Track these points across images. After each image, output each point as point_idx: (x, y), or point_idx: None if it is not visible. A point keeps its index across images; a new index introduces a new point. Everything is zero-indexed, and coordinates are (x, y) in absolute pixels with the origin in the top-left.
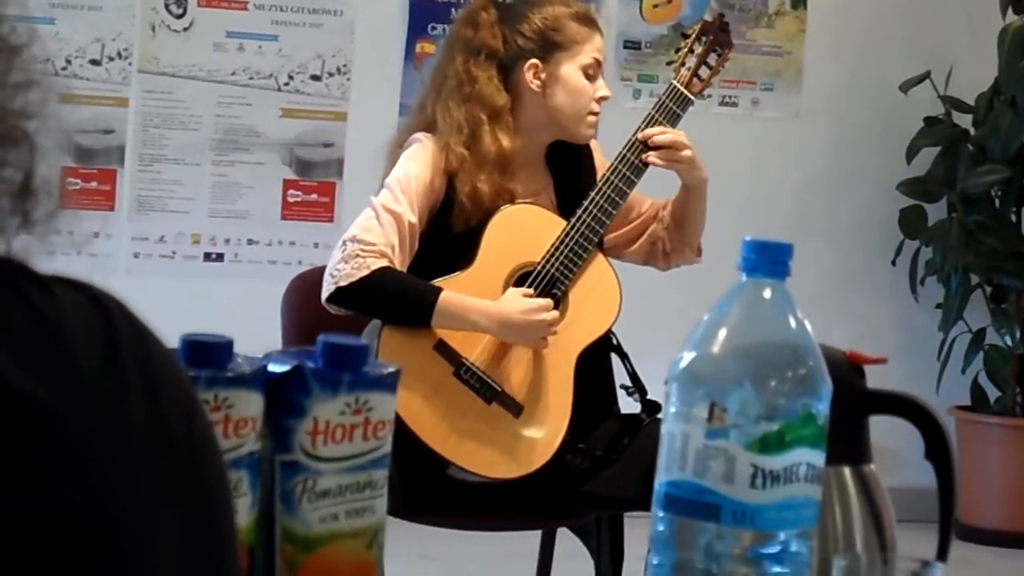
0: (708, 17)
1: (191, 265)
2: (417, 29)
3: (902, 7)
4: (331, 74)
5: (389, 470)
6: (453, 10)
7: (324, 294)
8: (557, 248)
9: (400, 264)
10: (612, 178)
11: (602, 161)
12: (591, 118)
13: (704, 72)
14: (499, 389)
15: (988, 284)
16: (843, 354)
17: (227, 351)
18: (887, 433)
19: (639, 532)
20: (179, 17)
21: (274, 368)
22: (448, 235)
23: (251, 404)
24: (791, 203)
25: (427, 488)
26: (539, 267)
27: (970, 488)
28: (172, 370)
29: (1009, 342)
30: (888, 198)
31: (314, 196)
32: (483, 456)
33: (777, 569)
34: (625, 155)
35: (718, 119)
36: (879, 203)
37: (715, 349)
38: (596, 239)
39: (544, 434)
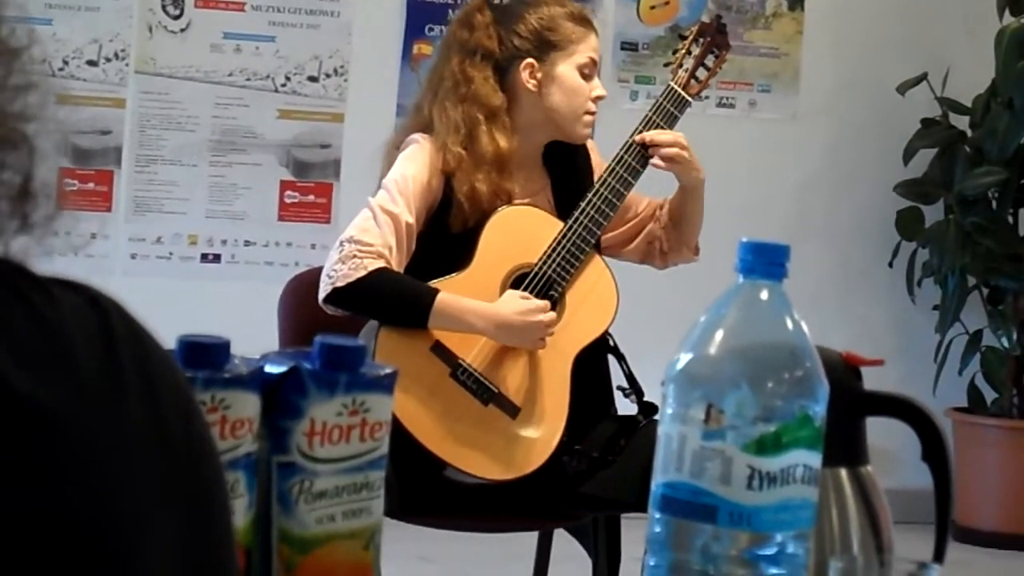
0: (705, 18)
1: (188, 266)
2: (414, 30)
3: (899, 9)
4: (328, 75)
5: (386, 471)
6: (450, 11)
7: (321, 295)
8: (554, 249)
9: (397, 265)
10: (609, 179)
11: (599, 161)
12: (587, 117)
13: (701, 74)
14: (496, 390)
15: (985, 286)
16: (840, 355)
17: (224, 352)
18: (884, 435)
19: (636, 533)
20: (176, 18)
21: (271, 369)
22: (446, 235)
23: (248, 405)
24: (788, 204)
25: (424, 489)
26: (536, 268)
27: (967, 490)
28: (170, 371)
29: (1006, 344)
30: (885, 200)
31: (311, 197)
32: (480, 457)
33: (774, 571)
34: (622, 157)
35: (715, 120)
36: (876, 204)
37: (712, 350)
38: (593, 240)
39: (541, 435)
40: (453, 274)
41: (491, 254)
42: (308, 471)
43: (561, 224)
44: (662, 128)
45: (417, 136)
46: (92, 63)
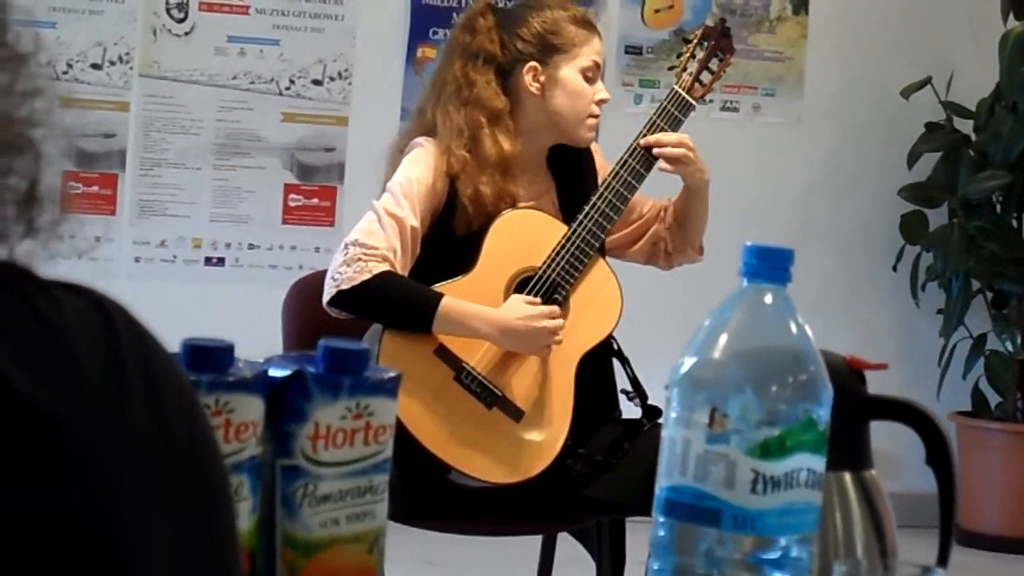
0: (710, 22)
1: (192, 269)
2: (418, 34)
3: (903, 12)
4: (332, 79)
5: (390, 475)
6: (454, 15)
7: (325, 297)
8: (558, 253)
9: (402, 268)
10: (613, 183)
11: (603, 164)
12: (591, 120)
13: (706, 77)
14: (500, 394)
15: (989, 290)
16: (844, 359)
17: (228, 355)
18: (888, 439)
19: (640, 537)
20: (180, 21)
21: (275, 372)
22: (450, 239)
23: (252, 408)
24: (792, 208)
25: (428, 493)
26: (540, 272)
27: (971, 494)
28: (173, 374)
29: (1010, 348)
30: (889, 203)
31: (315, 200)
32: (484, 461)
33: (778, 575)
34: (627, 160)
35: (720, 124)
36: (880, 208)
37: (716, 354)
38: (598, 244)
39: (545, 439)
40: (457, 277)
41: (495, 257)
42: (312, 475)
43: (565, 227)
44: (665, 131)
45: (421, 139)
46: (96, 66)
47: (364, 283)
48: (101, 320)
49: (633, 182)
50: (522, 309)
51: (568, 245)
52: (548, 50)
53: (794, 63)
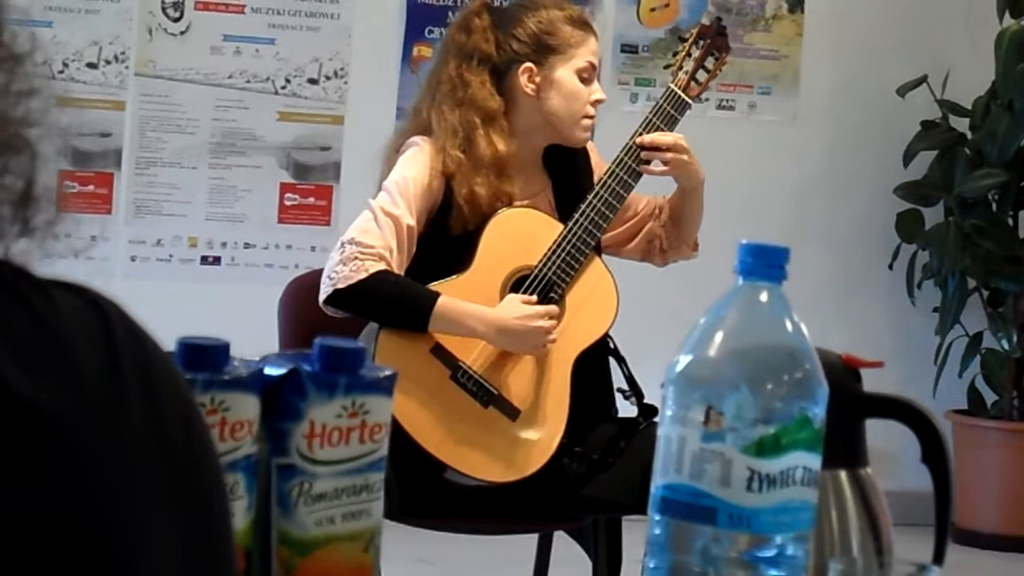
0: (705, 21)
1: (188, 268)
2: (414, 33)
3: (899, 11)
4: (328, 78)
5: (386, 473)
6: (450, 14)
7: (322, 296)
8: (554, 252)
9: (398, 267)
10: (609, 182)
11: (599, 162)
12: (586, 121)
13: (701, 76)
14: (496, 393)
15: (985, 288)
16: (840, 357)
17: (224, 354)
18: (884, 437)
19: (636, 535)
20: (176, 20)
21: (270, 371)
22: (446, 237)
23: (247, 407)
24: (788, 207)
25: (424, 492)
26: (536, 270)
27: (967, 492)
28: (170, 374)
29: (1006, 346)
30: (885, 202)
31: (311, 199)
32: (480, 460)
33: (773, 573)
34: (622, 159)
35: (715, 123)
36: (876, 207)
37: (711, 353)
38: (593, 242)
39: (541, 438)
40: (453, 276)
41: (491, 256)
42: (308, 473)
43: (561, 226)
44: (661, 129)
45: (417, 138)
46: (92, 66)
47: (360, 282)
48: (97, 319)
49: (629, 180)
50: (518, 309)
51: (564, 244)
52: (543, 51)
53: (790, 61)
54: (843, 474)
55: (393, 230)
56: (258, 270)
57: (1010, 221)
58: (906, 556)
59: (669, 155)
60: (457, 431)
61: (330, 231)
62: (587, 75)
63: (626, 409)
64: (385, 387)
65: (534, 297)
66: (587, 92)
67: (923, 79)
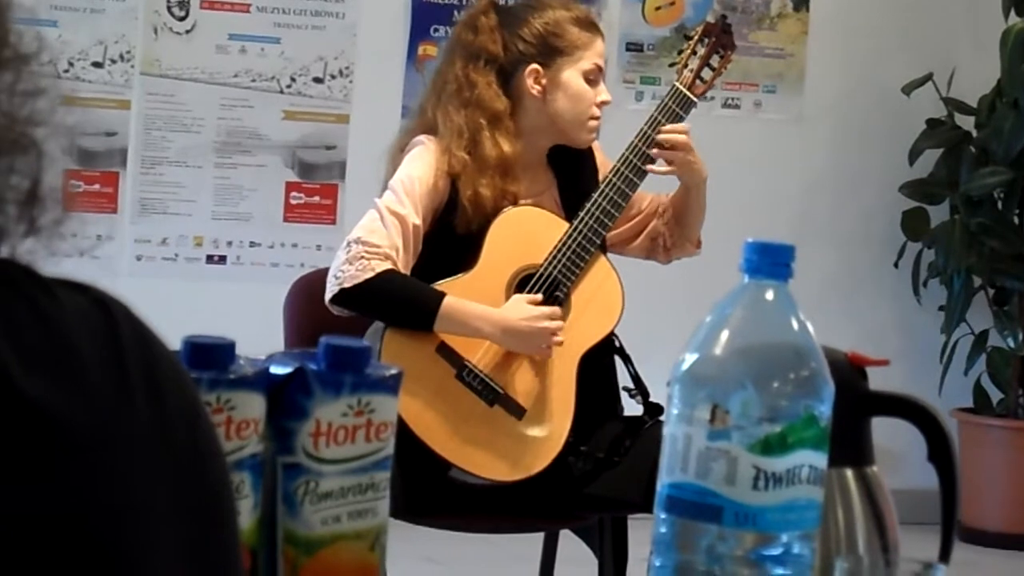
0: (711, 19)
1: (193, 267)
2: (419, 31)
3: (904, 9)
4: (333, 76)
5: (391, 472)
6: (455, 12)
7: (328, 295)
8: (560, 250)
9: (404, 266)
10: (614, 180)
11: (603, 160)
12: (592, 123)
13: (707, 74)
14: (501, 392)
15: (991, 286)
16: (845, 356)
17: (229, 353)
18: (889, 435)
19: (642, 534)
20: (181, 19)
21: (276, 370)
22: (452, 236)
23: (253, 406)
24: (793, 205)
25: (429, 490)
26: (542, 269)
27: (972, 490)
28: (176, 373)
29: (1012, 344)
30: (890, 200)
31: (316, 198)
32: (485, 458)
33: (779, 571)
34: (628, 157)
35: (721, 121)
36: (881, 205)
37: (717, 351)
38: (599, 241)
39: (547, 436)
40: (459, 275)
41: (497, 255)
42: (313, 472)
43: (566, 225)
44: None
45: (422, 138)
46: (97, 65)
47: (366, 281)
48: (103, 318)
49: (634, 179)
50: (524, 309)
51: (569, 242)
52: (550, 52)
53: (795, 60)
54: (849, 472)
55: (399, 229)
56: (263, 269)
57: (1015, 219)
58: (912, 554)
59: (679, 154)
60: (462, 430)
61: (335, 230)
62: (593, 77)
63: (632, 407)
64: (391, 386)
65: (539, 296)
66: (593, 94)
67: (928, 77)
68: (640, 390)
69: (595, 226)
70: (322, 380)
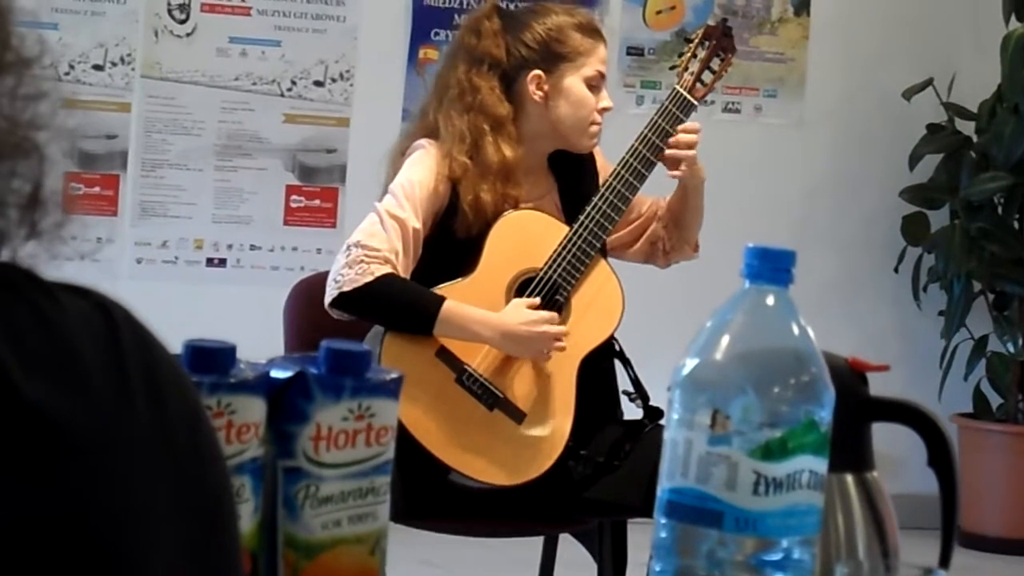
0: (711, 23)
1: (194, 270)
2: (420, 35)
3: (905, 14)
4: (334, 80)
5: (391, 476)
6: (456, 16)
7: (327, 299)
8: (560, 254)
9: (404, 270)
10: (615, 183)
11: (604, 164)
12: (593, 128)
13: (707, 77)
14: (501, 396)
15: (991, 291)
16: (846, 361)
17: (230, 357)
18: (890, 440)
19: (642, 538)
20: (182, 22)
21: (277, 374)
22: (452, 240)
23: (254, 410)
24: (794, 210)
25: (429, 494)
26: (542, 273)
27: (972, 495)
28: (176, 377)
29: (1011, 349)
30: (891, 205)
31: (317, 202)
32: (485, 462)
33: None
34: (628, 160)
35: (721, 126)
36: (882, 210)
37: (718, 356)
38: (599, 244)
39: (546, 440)
40: (459, 279)
41: (497, 258)
42: (314, 476)
43: (567, 228)
44: (667, 131)
45: (423, 141)
46: (98, 68)
47: (366, 285)
48: (104, 322)
49: (634, 182)
50: (524, 314)
51: (570, 246)
52: (553, 58)
53: (796, 64)
54: (849, 478)
55: (399, 233)
56: (264, 272)
57: (1016, 224)
58: (912, 559)
59: (691, 153)
60: (462, 434)
61: (336, 233)
62: (595, 83)
63: (631, 411)
64: (391, 390)
65: (537, 300)
66: (595, 100)
67: (929, 82)
68: (640, 394)
69: (595, 230)
70: (323, 384)
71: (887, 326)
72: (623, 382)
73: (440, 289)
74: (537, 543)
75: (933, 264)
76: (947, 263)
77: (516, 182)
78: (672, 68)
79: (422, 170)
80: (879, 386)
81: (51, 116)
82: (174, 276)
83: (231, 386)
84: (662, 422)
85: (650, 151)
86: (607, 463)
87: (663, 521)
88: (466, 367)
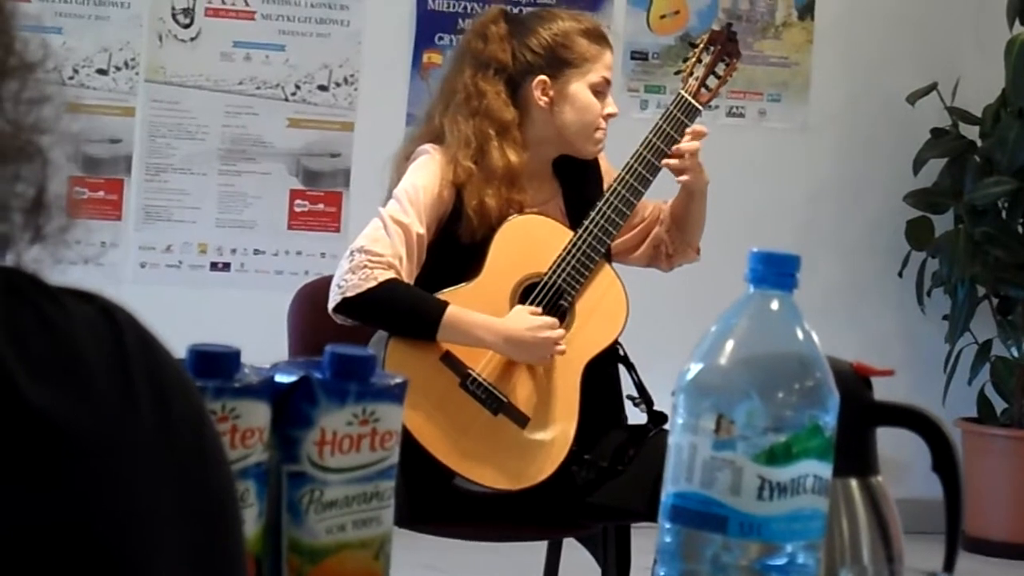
0: (715, 27)
1: (198, 275)
2: (424, 39)
3: (909, 18)
4: (338, 84)
5: (396, 481)
6: (460, 20)
7: (330, 304)
8: (564, 259)
9: (407, 276)
10: (619, 188)
11: (608, 168)
12: (598, 134)
13: (712, 82)
14: (505, 400)
15: (995, 295)
16: (850, 366)
17: (234, 361)
18: (894, 445)
19: (646, 543)
20: (186, 27)
21: (281, 378)
22: (456, 245)
23: (258, 414)
24: (798, 214)
25: (433, 499)
26: (546, 278)
27: (977, 500)
28: (181, 381)
29: (1016, 353)
30: (895, 209)
31: (321, 206)
32: (489, 467)
33: None
34: (633, 166)
35: (725, 130)
36: (886, 214)
37: (722, 361)
38: (603, 249)
39: (550, 445)
40: (463, 284)
41: (501, 263)
42: (318, 480)
43: (571, 233)
44: (672, 137)
45: (427, 147)
46: (102, 72)
47: (369, 291)
48: (109, 327)
49: (639, 187)
50: (527, 320)
51: (574, 251)
52: (558, 64)
53: (800, 69)
54: (854, 482)
55: (403, 238)
56: (268, 276)
57: (1020, 229)
58: (917, 564)
59: (683, 164)
60: (466, 439)
61: (340, 238)
62: (601, 89)
63: (635, 416)
64: (396, 395)
65: (539, 309)
66: (600, 106)
67: (933, 87)
68: (644, 399)
69: (600, 234)
70: (327, 389)
71: (891, 330)
72: (627, 387)
73: (444, 294)
74: (541, 548)
75: (937, 268)
76: (951, 267)
77: (521, 187)
78: (676, 73)
79: (426, 175)
80: (883, 390)
81: (55, 120)
82: (178, 280)
83: (235, 390)
84: (666, 427)
85: (655, 156)
86: (611, 468)
87: (667, 526)
88: (470, 372)
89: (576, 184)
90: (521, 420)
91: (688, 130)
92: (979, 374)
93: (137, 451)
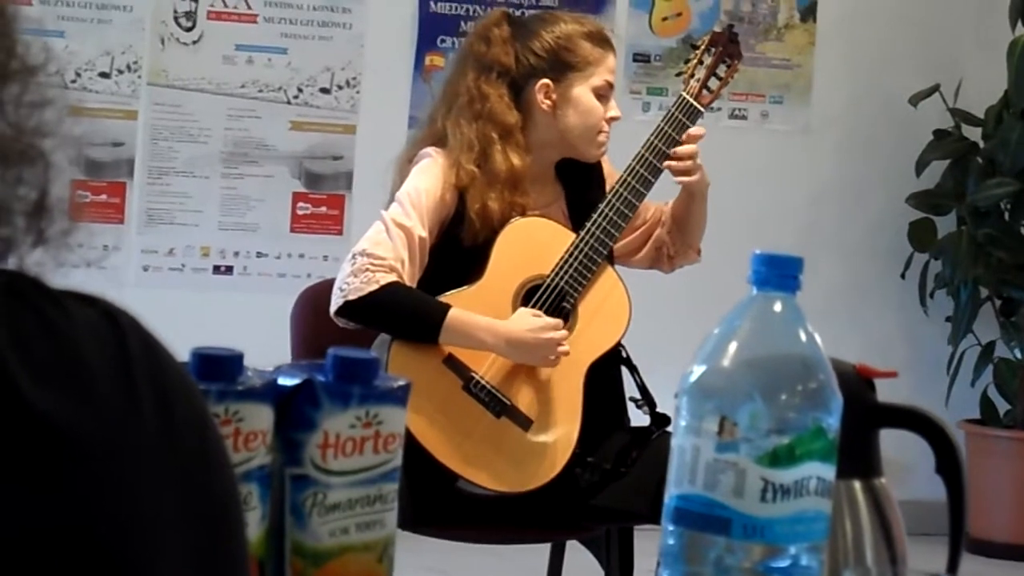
0: (717, 29)
1: (200, 278)
2: (426, 42)
3: (912, 20)
4: (340, 87)
5: (399, 484)
6: (462, 23)
7: (333, 308)
8: (567, 261)
9: (409, 279)
10: (621, 190)
11: (610, 171)
12: (600, 138)
13: (713, 83)
14: (508, 403)
15: (998, 297)
16: (853, 367)
17: (237, 364)
18: (897, 446)
19: (649, 545)
20: (188, 30)
21: (284, 381)
22: (458, 248)
23: (261, 417)
24: (800, 216)
25: (437, 501)
26: (549, 280)
27: (980, 501)
28: (184, 385)
29: (1019, 355)
30: (897, 211)
31: (323, 209)
32: (492, 470)
33: None
34: (635, 168)
35: (728, 132)
36: (888, 216)
37: (725, 362)
38: (606, 251)
39: (553, 448)
40: (465, 287)
41: (504, 266)
42: (321, 483)
43: (573, 235)
44: (674, 139)
45: (430, 150)
46: (104, 75)
47: (371, 294)
48: (112, 330)
49: (641, 189)
50: (529, 322)
51: (576, 253)
52: (561, 67)
53: (802, 71)
54: (857, 484)
55: (405, 242)
56: (270, 279)
57: (1022, 230)
58: (920, 566)
59: (685, 165)
60: (469, 441)
61: (342, 240)
62: (604, 92)
63: (638, 418)
64: (399, 397)
65: (540, 312)
66: (603, 110)
67: (935, 88)
68: (647, 401)
69: (602, 236)
70: (330, 392)
71: (894, 332)
72: (630, 389)
73: (446, 297)
74: (544, 550)
75: (940, 270)
76: (954, 269)
77: (524, 190)
78: (678, 75)
79: (429, 178)
80: (886, 392)
81: (57, 123)
82: (181, 283)
83: (238, 394)
84: (669, 429)
85: (657, 158)
86: (614, 470)
87: (670, 528)
88: (473, 374)
89: (579, 187)
90: (524, 423)
91: (685, 134)
92: (982, 376)
93: (140, 454)
